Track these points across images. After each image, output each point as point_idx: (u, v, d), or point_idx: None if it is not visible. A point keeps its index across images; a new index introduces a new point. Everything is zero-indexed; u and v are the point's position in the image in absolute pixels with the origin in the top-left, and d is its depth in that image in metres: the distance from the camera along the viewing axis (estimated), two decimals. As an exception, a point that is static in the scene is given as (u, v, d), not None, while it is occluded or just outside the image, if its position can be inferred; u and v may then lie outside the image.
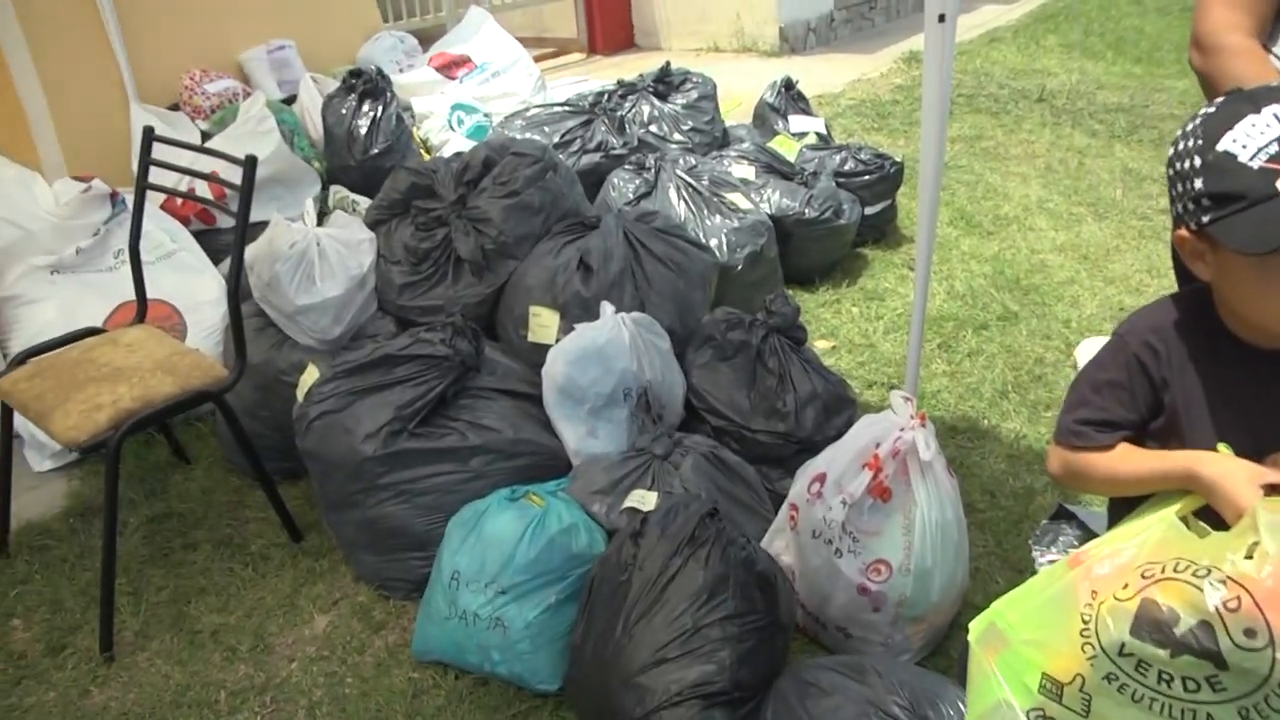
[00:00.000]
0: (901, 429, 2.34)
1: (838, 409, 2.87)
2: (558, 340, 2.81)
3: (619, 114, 4.75)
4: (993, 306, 4.14)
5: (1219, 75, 1.76)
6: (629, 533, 2.13)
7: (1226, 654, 1.16)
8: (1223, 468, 1.31)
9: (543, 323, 2.92)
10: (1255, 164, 1.22)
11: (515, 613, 2.22)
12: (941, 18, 2.33)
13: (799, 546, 2.41)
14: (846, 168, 4.64)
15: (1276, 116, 1.23)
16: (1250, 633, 1.15)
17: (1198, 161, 1.28)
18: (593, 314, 2.81)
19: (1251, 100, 1.27)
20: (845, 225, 4.31)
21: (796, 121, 5.24)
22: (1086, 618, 1.28)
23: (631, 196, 3.99)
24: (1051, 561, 2.11)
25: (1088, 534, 2.17)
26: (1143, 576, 1.24)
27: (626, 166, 4.17)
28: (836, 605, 2.35)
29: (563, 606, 2.25)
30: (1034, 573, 2.18)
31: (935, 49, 2.40)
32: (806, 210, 4.19)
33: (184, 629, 2.59)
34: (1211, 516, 1.34)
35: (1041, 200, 5.29)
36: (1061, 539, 2.18)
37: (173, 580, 2.76)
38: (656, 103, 4.88)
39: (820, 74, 7.77)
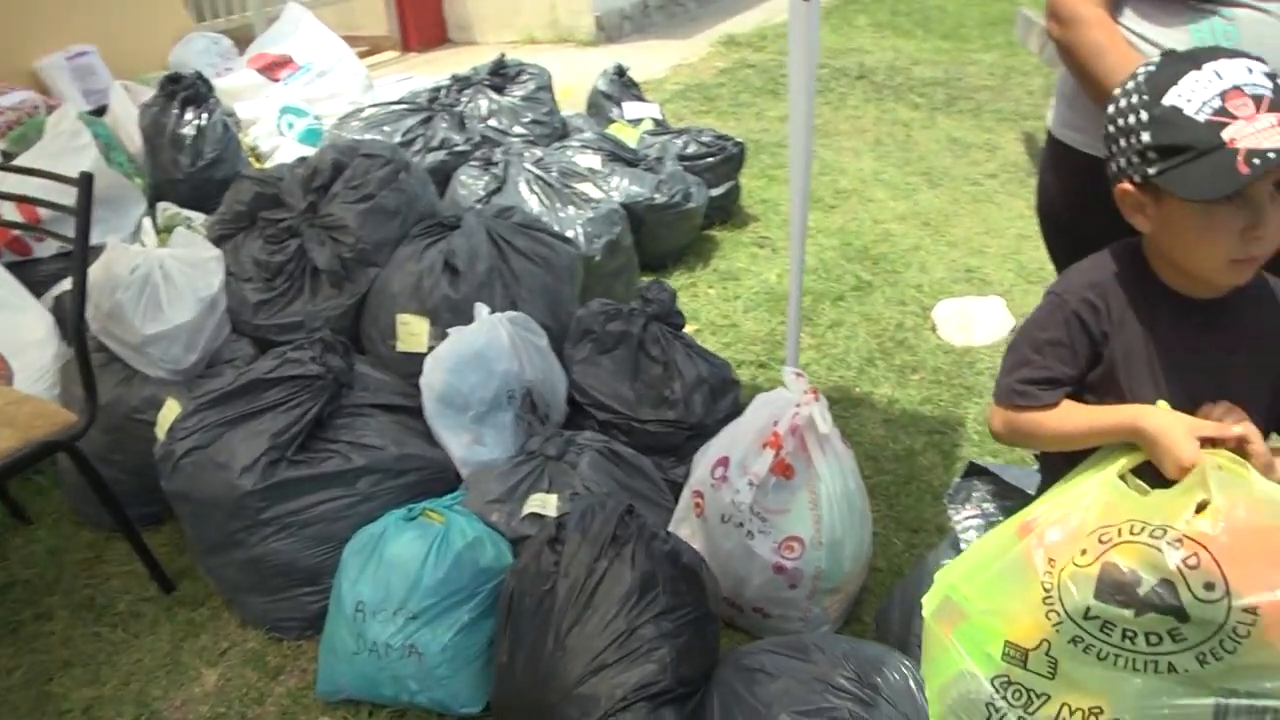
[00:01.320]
0: (798, 405, 2.34)
1: (724, 391, 2.86)
2: (430, 348, 2.69)
3: (457, 110, 4.62)
4: (846, 278, 4.22)
5: (1078, 44, 1.84)
6: (545, 539, 2.05)
7: (1188, 607, 1.22)
8: (1163, 421, 1.35)
9: (412, 331, 2.79)
10: (1201, 117, 1.27)
11: (429, 637, 2.11)
12: (806, -2, 2.33)
13: (708, 533, 2.38)
14: (689, 151, 4.65)
15: (1217, 73, 1.28)
16: (1209, 586, 1.21)
17: (1144, 116, 1.32)
18: (463, 317, 2.70)
19: (1191, 59, 1.32)
20: (694, 208, 4.32)
21: (631, 108, 5.23)
22: (1048, 585, 1.30)
23: (482, 193, 3.88)
24: (968, 518, 2.14)
25: (1001, 487, 2.20)
26: (1100, 541, 1.27)
27: (473, 163, 4.06)
28: (753, 587, 2.33)
29: (477, 624, 2.15)
30: (950, 530, 2.23)
31: (801, 28, 2.40)
32: (656, 196, 4.17)
33: (49, 711, 2.32)
34: (1148, 474, 1.38)
35: (876, 172, 5.44)
36: (975, 495, 2.21)
37: (26, 657, 2.47)
38: (494, 96, 4.76)
39: (642, 61, 7.76)
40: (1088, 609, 1.26)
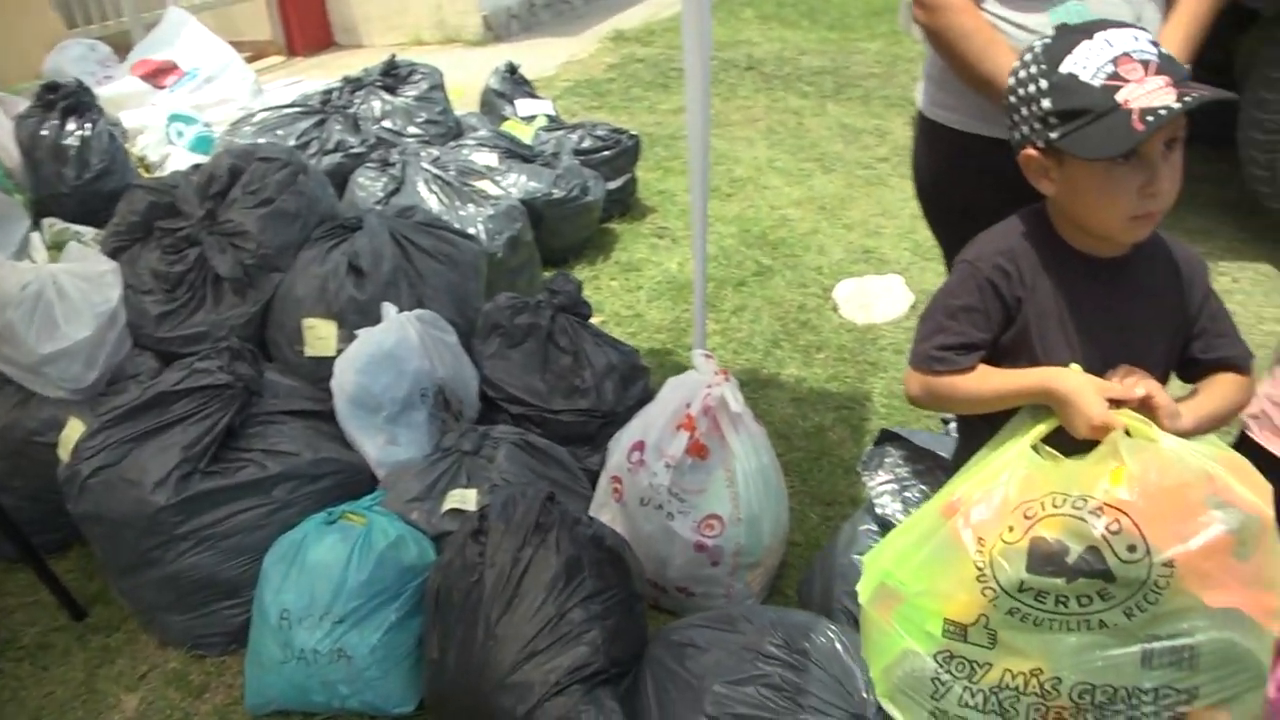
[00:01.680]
0: (709, 386, 2.39)
1: (634, 378, 2.89)
2: (339, 351, 2.67)
3: (351, 111, 4.57)
4: (747, 264, 4.30)
5: (945, 28, 1.93)
6: (468, 532, 2.06)
7: (1115, 570, 1.29)
8: (1074, 383, 1.41)
9: (319, 334, 2.77)
10: (1096, 82, 1.34)
11: (357, 640, 2.10)
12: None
13: (628, 516, 2.41)
14: (585, 145, 4.68)
15: (1108, 41, 1.36)
16: (1132, 548, 1.28)
17: (1043, 84, 1.39)
18: (371, 318, 2.68)
19: (1084, 30, 1.39)
20: (593, 202, 4.36)
21: (524, 105, 5.23)
22: (980, 564, 1.34)
23: (380, 195, 3.85)
24: (882, 483, 2.21)
25: (912, 451, 2.28)
26: (1025, 516, 1.33)
27: (369, 164, 4.02)
28: (675, 567, 2.37)
29: (405, 623, 2.15)
30: (866, 499, 2.30)
31: (693, 19, 2.44)
32: (554, 190, 4.19)
33: (-49, 759, 2.24)
34: (1058, 441, 1.43)
35: (770, 160, 5.53)
36: (887, 460, 2.28)
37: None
38: (387, 97, 4.72)
39: (531, 59, 7.73)
40: (1021, 582, 1.32)
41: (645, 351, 3.61)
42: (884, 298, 3.93)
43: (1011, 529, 1.33)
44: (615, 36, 8.55)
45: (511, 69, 5.43)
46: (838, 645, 1.93)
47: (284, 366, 2.81)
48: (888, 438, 2.38)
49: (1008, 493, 1.36)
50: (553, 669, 1.86)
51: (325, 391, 2.61)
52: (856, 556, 2.23)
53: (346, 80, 4.84)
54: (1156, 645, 1.33)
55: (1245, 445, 1.83)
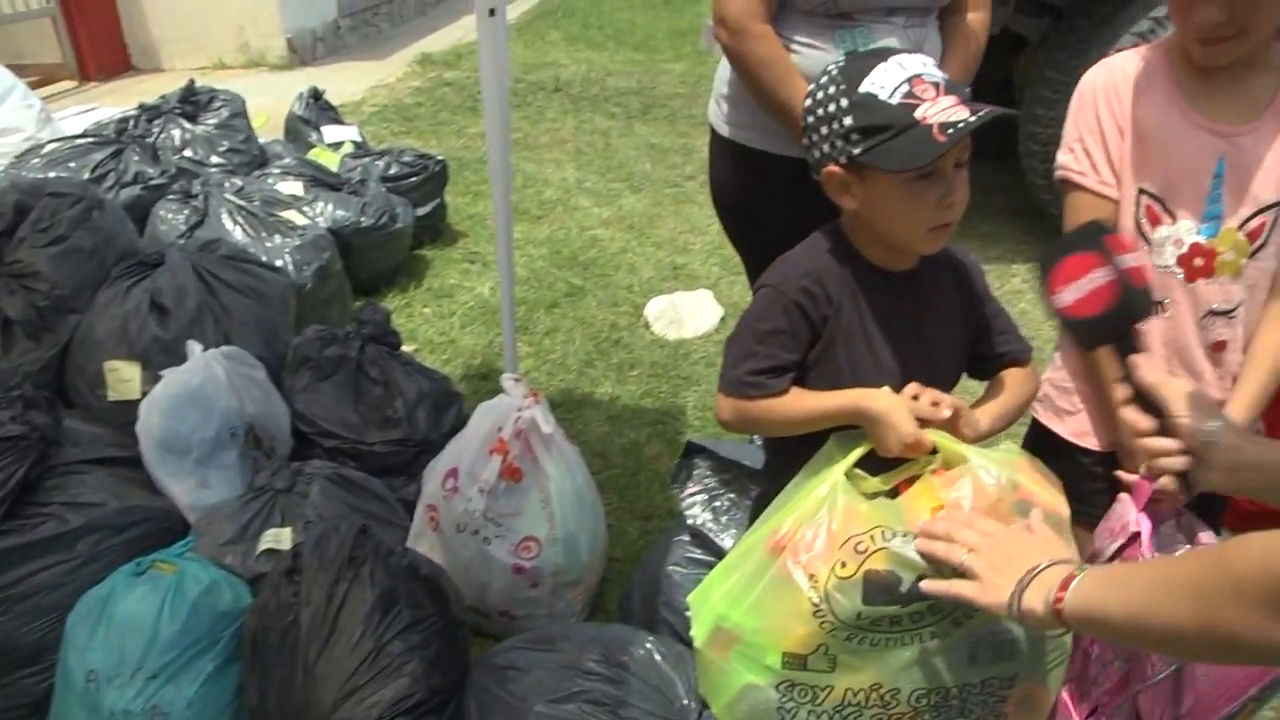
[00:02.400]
0: (519, 409, 2.43)
1: (447, 405, 2.92)
2: (143, 393, 2.59)
3: (149, 141, 4.40)
4: (558, 285, 4.37)
5: (746, 54, 2.06)
6: (282, 572, 2.04)
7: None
8: (885, 403, 1.48)
9: (122, 377, 2.68)
10: (894, 100, 1.43)
11: (173, 695, 2.03)
12: (492, 12, 2.40)
13: (445, 544, 2.43)
14: (392, 172, 4.67)
15: (900, 64, 1.45)
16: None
17: (844, 103, 1.46)
18: (176, 358, 2.62)
19: (877, 55, 1.49)
20: (402, 229, 4.35)
21: (330, 132, 5.18)
22: (815, 600, 1.39)
23: (184, 228, 3.73)
24: (692, 495, 2.30)
25: (719, 462, 2.38)
26: (856, 551, 1.39)
27: (171, 197, 3.89)
28: (495, 591, 2.41)
29: (223, 672, 2.10)
30: (677, 512, 2.38)
31: (489, 43, 2.46)
32: (362, 219, 4.17)
33: None
34: (867, 460, 1.51)
35: (579, 181, 5.63)
36: (696, 472, 2.38)
37: None
38: (187, 125, 4.58)
39: (338, 83, 7.64)
40: (859, 613, 1.39)
41: (459, 378, 3.64)
42: (694, 313, 4.07)
43: (844, 564, 1.38)
44: (422, 60, 8.52)
45: (316, 94, 5.36)
46: (656, 656, 2.00)
47: (85, 413, 2.71)
48: (694, 450, 2.48)
49: (833, 527, 1.40)
50: (374, 704, 1.87)
51: (130, 437, 2.53)
52: (672, 568, 2.33)
53: (143, 108, 4.67)
54: (981, 643, 1.45)
55: (1035, 425, 1.97)
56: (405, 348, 3.81)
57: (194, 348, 2.60)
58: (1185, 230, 1.64)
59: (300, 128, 5.24)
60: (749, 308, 1.63)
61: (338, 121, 5.35)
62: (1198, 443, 1.30)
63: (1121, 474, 1.65)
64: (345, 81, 7.86)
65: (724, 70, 2.27)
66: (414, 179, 4.68)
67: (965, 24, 2.20)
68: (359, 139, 5.17)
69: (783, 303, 1.56)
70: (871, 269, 1.59)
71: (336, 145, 5.00)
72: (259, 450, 2.66)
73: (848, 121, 1.45)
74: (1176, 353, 1.71)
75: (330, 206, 4.15)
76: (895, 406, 1.47)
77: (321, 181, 4.31)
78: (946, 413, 1.48)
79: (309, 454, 2.75)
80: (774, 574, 1.42)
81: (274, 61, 8.54)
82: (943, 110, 1.40)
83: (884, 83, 1.44)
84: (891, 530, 1.39)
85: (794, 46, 2.07)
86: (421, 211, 4.66)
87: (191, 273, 2.82)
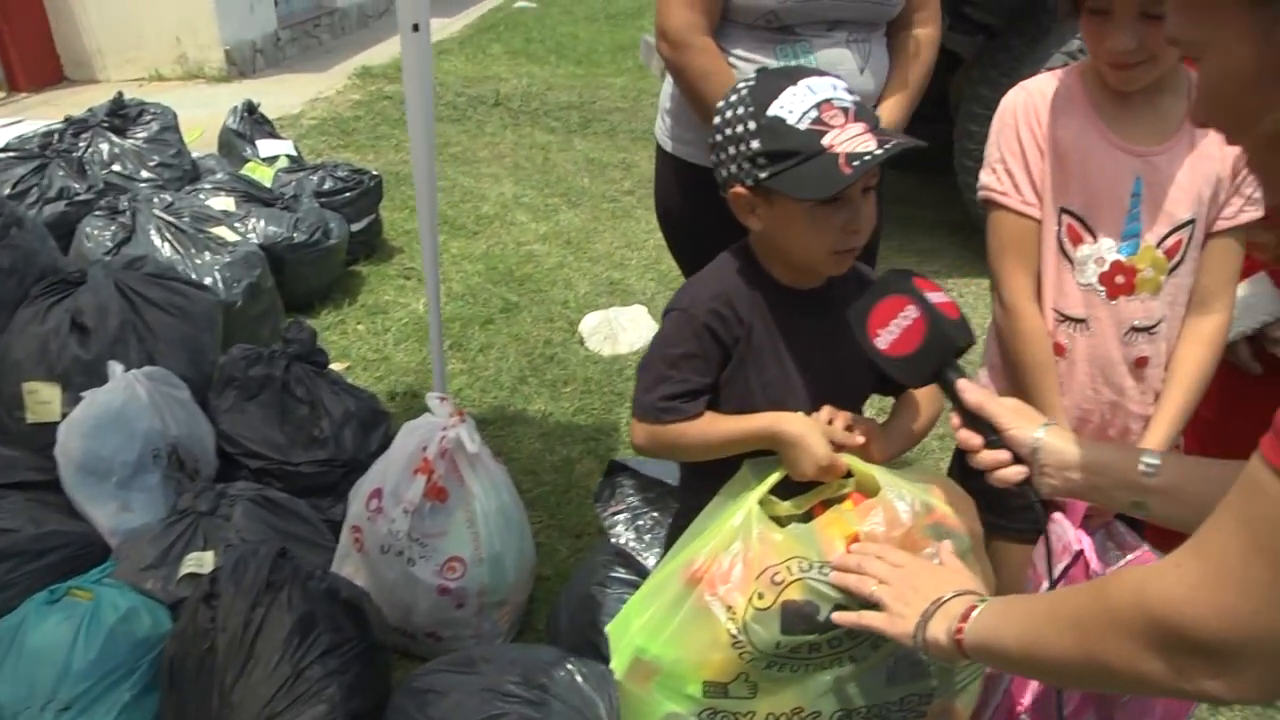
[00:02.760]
0: (444, 428, 2.42)
1: (374, 424, 2.90)
2: (63, 415, 2.55)
3: (76, 155, 4.33)
4: (493, 301, 4.36)
5: (687, 67, 2.08)
6: (199, 597, 2.02)
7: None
8: (799, 427, 1.49)
9: (41, 399, 2.64)
10: (802, 126, 1.41)
11: (88, 725, 2.00)
12: (416, 27, 2.39)
13: (370, 566, 2.41)
14: (326, 187, 4.64)
15: (810, 88, 1.44)
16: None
17: (751, 125, 1.44)
18: (97, 378, 2.59)
19: (786, 76, 1.47)
20: (336, 244, 4.32)
21: (265, 146, 5.13)
22: (733, 630, 1.40)
23: (110, 245, 3.67)
24: (615, 513, 2.30)
25: (642, 480, 2.39)
26: (773, 582, 1.39)
27: (97, 213, 3.83)
28: (421, 613, 2.39)
29: (141, 701, 2.06)
30: (601, 530, 2.38)
31: (413, 58, 2.46)
32: (295, 235, 4.14)
33: None
34: (780, 484, 1.52)
35: (517, 196, 5.63)
36: (619, 491, 2.38)
37: None
38: (115, 139, 4.51)
39: (276, 96, 7.59)
40: (778, 643, 1.39)
41: (392, 395, 3.62)
42: (629, 329, 4.07)
43: (761, 596, 1.38)
44: (362, 73, 8.48)
45: (250, 108, 5.31)
46: (578, 677, 2.00)
47: (2, 435, 2.67)
48: (618, 469, 2.48)
49: (749, 558, 1.40)
50: (291, 729, 1.85)
51: (49, 460, 2.51)
52: (596, 588, 2.32)
53: (70, 121, 4.60)
54: (898, 664, 1.47)
55: None
56: (337, 365, 3.81)
57: (115, 368, 2.57)
58: (1106, 248, 1.67)
59: (234, 141, 5.18)
60: (659, 332, 1.62)
61: (273, 135, 5.30)
62: (1026, 450, 1.33)
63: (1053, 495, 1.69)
64: (284, 94, 7.80)
65: (668, 86, 2.28)
66: (348, 194, 4.65)
67: (913, 38, 2.23)
68: (294, 153, 5.13)
69: (693, 326, 1.55)
70: (781, 289, 1.59)
71: (271, 159, 4.95)
72: (182, 472, 2.63)
73: (755, 145, 1.44)
74: (1100, 369, 1.73)
75: (262, 222, 4.11)
76: (809, 431, 1.47)
77: (254, 197, 4.27)
78: (860, 439, 1.50)
79: (235, 475, 2.72)
80: (691, 605, 1.42)
81: (212, 73, 8.45)
82: (850, 139, 1.40)
83: (793, 106, 1.42)
84: (808, 561, 1.39)
85: (734, 60, 2.09)
86: (356, 227, 4.62)
87: (114, 291, 2.79)
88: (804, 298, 1.60)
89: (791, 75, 1.48)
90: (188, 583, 2.25)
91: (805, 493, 1.53)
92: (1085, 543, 1.61)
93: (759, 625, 1.38)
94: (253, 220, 4.11)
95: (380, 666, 2.10)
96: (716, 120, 1.52)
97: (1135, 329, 1.70)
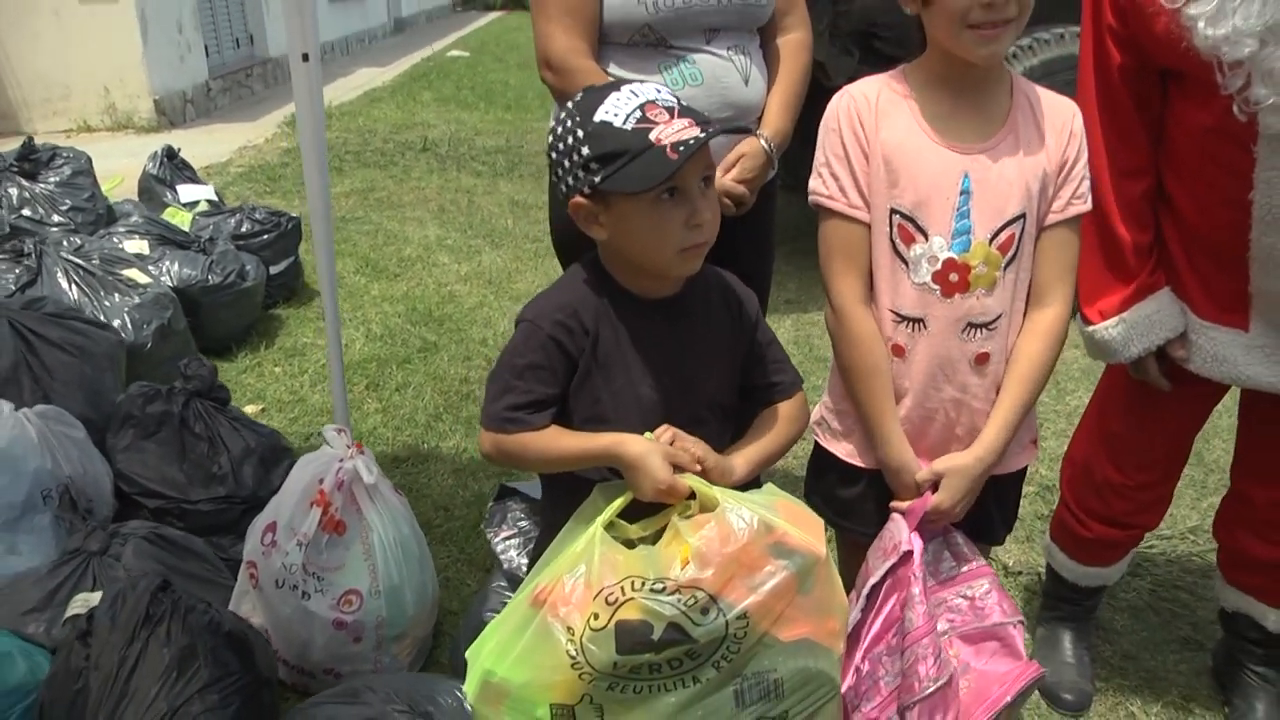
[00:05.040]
0: (341, 460, 2.40)
1: (276, 460, 2.86)
2: (-50, 457, 2.49)
3: (-18, 200, 4.29)
4: (412, 341, 4.35)
5: (570, 90, 2.08)
6: (75, 637, 1.95)
7: (697, 635, 1.42)
8: (640, 449, 1.50)
9: (-75, 440, 2.57)
10: (628, 126, 1.46)
11: (-50, 779, 1.93)
12: (305, 56, 2.40)
13: (266, 601, 2.37)
14: (244, 230, 4.63)
15: (633, 92, 1.49)
16: (705, 611, 1.41)
17: (580, 134, 1.49)
18: (-14, 419, 2.53)
19: (611, 86, 1.53)
20: (252, 287, 4.29)
21: (186, 191, 5.11)
22: (572, 652, 1.41)
23: (13, 287, 3.61)
24: (506, 538, 2.29)
25: (532, 504, 2.38)
26: (608, 602, 1.41)
27: (1, 256, 3.78)
28: (318, 648, 2.35)
29: (11, 753, 2.00)
30: (493, 555, 2.36)
31: (304, 88, 2.45)
32: (210, 277, 4.11)
33: None
34: (633, 510, 1.54)
35: (440, 238, 5.64)
36: (510, 515, 2.37)
37: None
38: (25, 184, 4.48)
39: (205, 145, 7.58)
40: (615, 663, 1.41)
41: (307, 436, 3.58)
42: (545, 366, 4.06)
43: (597, 616, 1.40)
44: (292, 121, 8.46)
45: (171, 153, 5.29)
46: (467, 704, 1.97)
47: (-117, 477, 2.58)
48: (507, 493, 2.47)
49: (588, 578, 1.43)
50: (166, 766, 1.80)
51: (-68, 501, 2.43)
52: (488, 613, 2.30)
53: (-23, 167, 4.56)
54: (746, 685, 1.47)
55: (816, 447, 1.98)
56: (251, 408, 3.77)
57: (3, 407, 2.52)
58: (938, 247, 1.68)
59: (154, 187, 5.16)
60: (508, 343, 1.63)
61: (194, 180, 5.28)
62: None
63: (895, 504, 1.72)
64: (213, 143, 7.79)
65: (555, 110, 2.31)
66: (266, 236, 4.64)
67: (787, 43, 2.29)
68: (215, 198, 5.11)
69: (538, 337, 1.57)
70: (630, 298, 1.60)
71: (192, 204, 4.93)
72: (75, 513, 2.57)
73: (585, 151, 1.48)
74: (941, 368, 1.74)
75: (177, 265, 4.08)
76: (649, 453, 1.49)
77: (169, 240, 4.24)
78: (697, 466, 1.52)
79: (134, 515, 2.66)
80: (536, 627, 1.45)
81: (141, 124, 8.40)
82: (675, 131, 1.44)
83: (617, 110, 1.47)
84: (642, 579, 1.41)
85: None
86: (275, 270, 4.61)
87: (8, 329, 2.75)
88: (656, 307, 1.61)
89: (615, 85, 1.53)
90: (73, 625, 2.20)
91: (653, 515, 1.54)
92: (916, 545, 1.63)
93: (594, 645, 1.40)
94: (166, 263, 4.07)
95: (266, 702, 2.06)
96: (550, 138, 1.57)
97: (973, 325, 1.71)
